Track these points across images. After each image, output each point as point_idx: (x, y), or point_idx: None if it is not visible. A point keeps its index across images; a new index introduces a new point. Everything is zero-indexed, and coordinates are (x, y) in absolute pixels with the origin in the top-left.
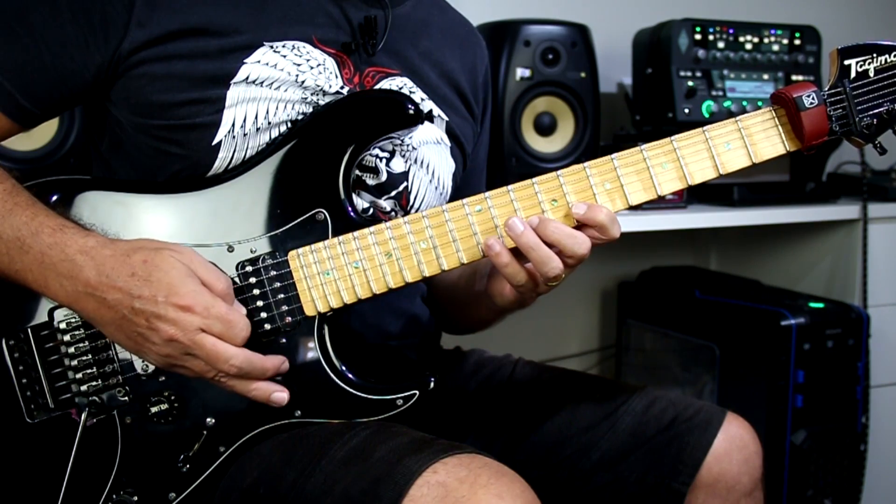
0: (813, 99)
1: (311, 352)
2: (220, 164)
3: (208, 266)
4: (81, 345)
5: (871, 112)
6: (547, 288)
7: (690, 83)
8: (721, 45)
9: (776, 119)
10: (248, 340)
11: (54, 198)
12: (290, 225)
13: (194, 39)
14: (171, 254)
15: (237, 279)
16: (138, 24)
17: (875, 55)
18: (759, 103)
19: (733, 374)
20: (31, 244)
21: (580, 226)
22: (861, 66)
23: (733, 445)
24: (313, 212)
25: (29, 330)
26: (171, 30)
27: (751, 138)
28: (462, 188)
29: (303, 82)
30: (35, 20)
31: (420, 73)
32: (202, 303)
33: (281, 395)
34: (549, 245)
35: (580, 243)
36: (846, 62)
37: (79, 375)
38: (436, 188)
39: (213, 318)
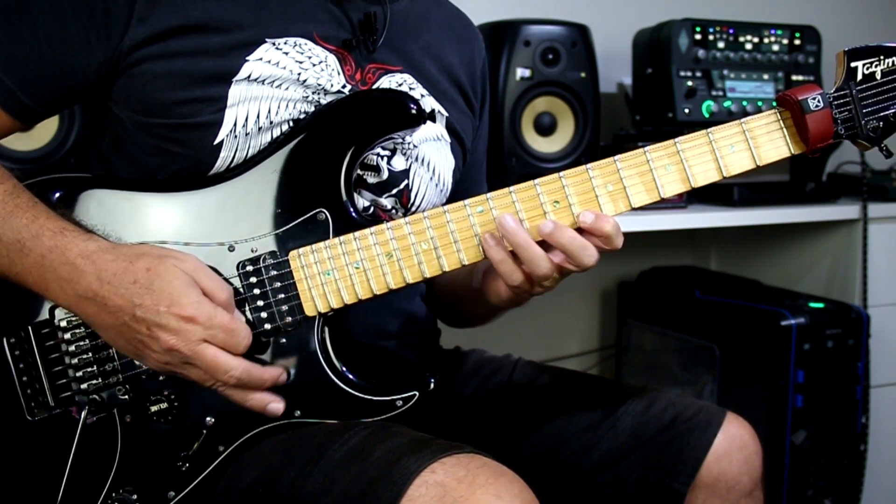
0: (818, 101)
1: (311, 352)
2: (221, 163)
3: (211, 274)
4: (82, 343)
5: (877, 115)
6: (542, 289)
7: (690, 83)
8: (721, 45)
9: (781, 122)
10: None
11: (57, 195)
12: (292, 225)
13: (195, 36)
14: (175, 262)
15: (238, 278)
16: (139, 19)
17: (882, 57)
18: (760, 103)
19: (733, 374)
20: (32, 247)
21: (583, 233)
22: (868, 69)
23: (733, 445)
24: (314, 212)
25: (30, 328)
26: (172, 26)
27: (755, 141)
28: (462, 182)
29: (304, 80)
30: (37, 16)
31: (421, 68)
32: (205, 313)
33: (277, 405)
34: (561, 250)
35: (590, 255)
36: (853, 64)
37: (79, 374)
38: (436, 185)
39: (217, 328)
